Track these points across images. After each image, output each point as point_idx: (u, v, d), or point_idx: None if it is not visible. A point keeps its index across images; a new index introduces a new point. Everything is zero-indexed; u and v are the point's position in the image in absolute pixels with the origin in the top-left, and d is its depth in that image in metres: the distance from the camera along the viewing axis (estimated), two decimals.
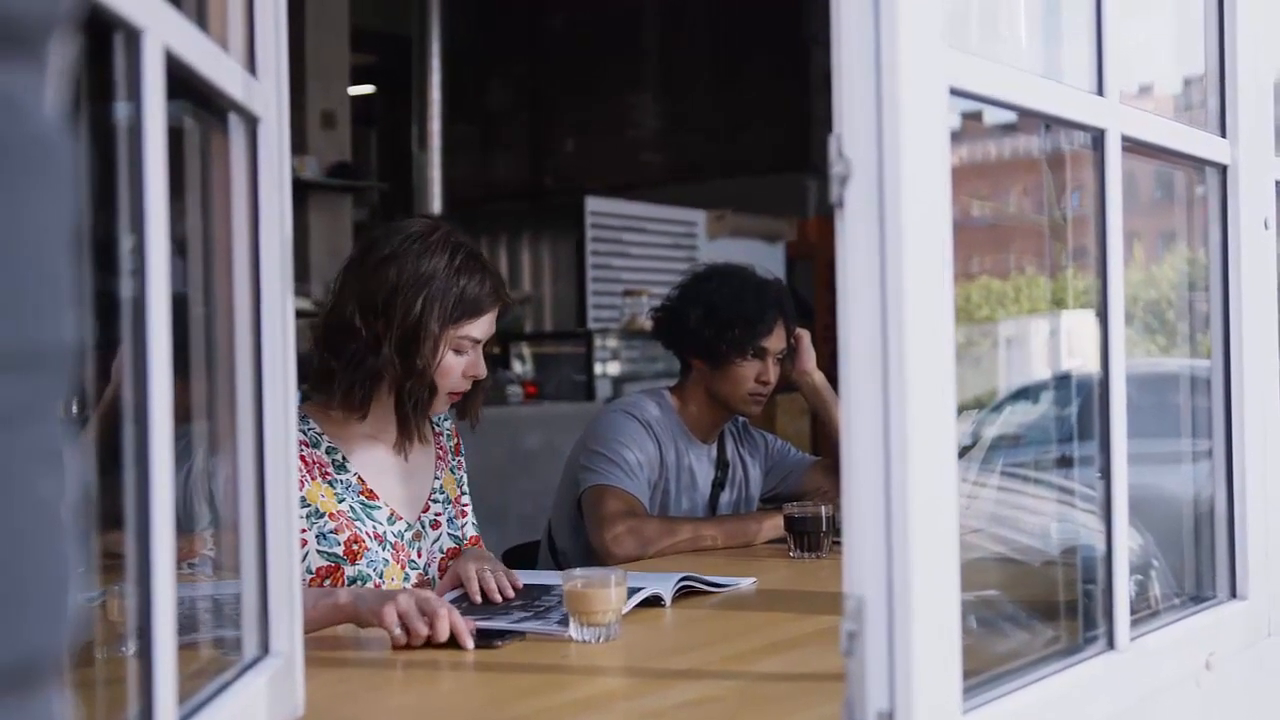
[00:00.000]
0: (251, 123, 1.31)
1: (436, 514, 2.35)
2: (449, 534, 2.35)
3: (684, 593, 2.15)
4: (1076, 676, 1.40)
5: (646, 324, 4.84)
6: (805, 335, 3.04)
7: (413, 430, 2.26)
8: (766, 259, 6.58)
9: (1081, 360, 1.70)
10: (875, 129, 1.10)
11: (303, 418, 2.22)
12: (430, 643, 1.82)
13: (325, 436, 2.24)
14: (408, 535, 2.27)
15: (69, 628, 0.62)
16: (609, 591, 1.82)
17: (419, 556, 2.29)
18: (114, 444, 0.98)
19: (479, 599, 2.04)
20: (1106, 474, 1.46)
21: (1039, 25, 1.74)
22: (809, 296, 6.90)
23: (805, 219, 7.96)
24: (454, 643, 1.83)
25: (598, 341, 6.98)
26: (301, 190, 6.75)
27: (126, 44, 0.95)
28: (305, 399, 2.28)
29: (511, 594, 2.09)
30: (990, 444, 1.95)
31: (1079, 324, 1.67)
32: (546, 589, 2.12)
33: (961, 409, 1.18)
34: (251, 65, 1.31)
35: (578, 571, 1.89)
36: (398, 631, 1.83)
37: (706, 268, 3.04)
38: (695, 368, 2.97)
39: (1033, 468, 1.98)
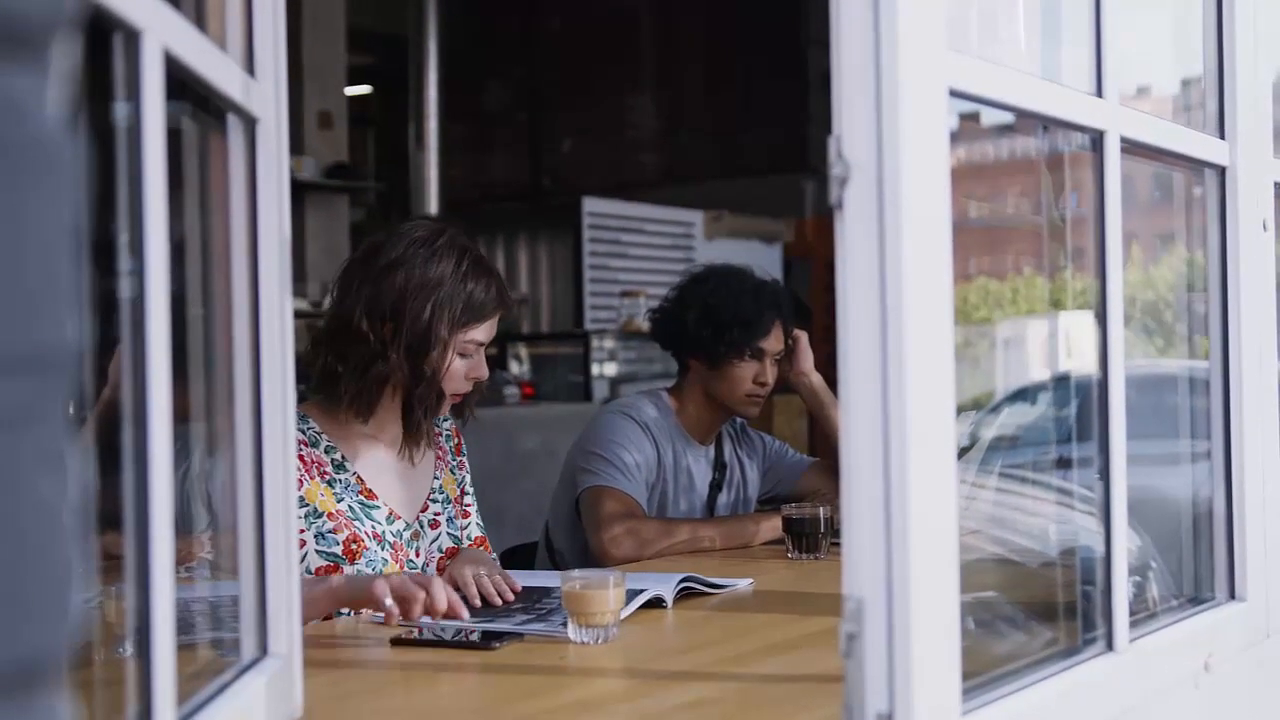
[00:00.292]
0: (250, 123, 1.31)
1: (435, 513, 2.35)
2: (448, 533, 2.35)
3: (683, 594, 2.15)
4: (1075, 678, 1.40)
5: (644, 325, 4.84)
6: (803, 336, 3.04)
7: (421, 435, 2.27)
8: (764, 260, 6.58)
9: (1079, 361, 1.70)
10: (875, 130, 1.10)
11: (301, 417, 2.22)
12: (429, 611, 1.87)
13: (324, 436, 2.24)
14: (406, 535, 2.27)
15: (71, 629, 0.62)
16: (607, 593, 1.81)
17: (418, 556, 2.29)
18: (110, 445, 0.98)
19: (478, 603, 2.04)
20: (1106, 475, 1.46)
21: (1038, 27, 1.74)
22: (806, 297, 6.90)
23: (802, 220, 7.97)
24: (453, 643, 1.83)
25: (595, 342, 6.97)
26: (298, 190, 6.75)
27: (126, 45, 0.94)
28: (304, 398, 2.28)
29: (510, 597, 2.09)
30: (988, 445, 1.95)
31: (1077, 325, 1.67)
32: (547, 591, 2.12)
33: (959, 410, 1.18)
34: (250, 66, 1.31)
35: (576, 573, 1.89)
36: (389, 602, 1.84)
37: (704, 269, 3.04)
38: (693, 369, 2.97)
39: (1031, 469, 1.98)
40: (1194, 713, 1.65)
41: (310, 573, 2.14)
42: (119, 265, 0.95)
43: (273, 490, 1.34)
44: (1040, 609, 1.65)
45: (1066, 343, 1.83)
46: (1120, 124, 1.48)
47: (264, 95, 1.33)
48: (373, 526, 2.22)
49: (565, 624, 1.84)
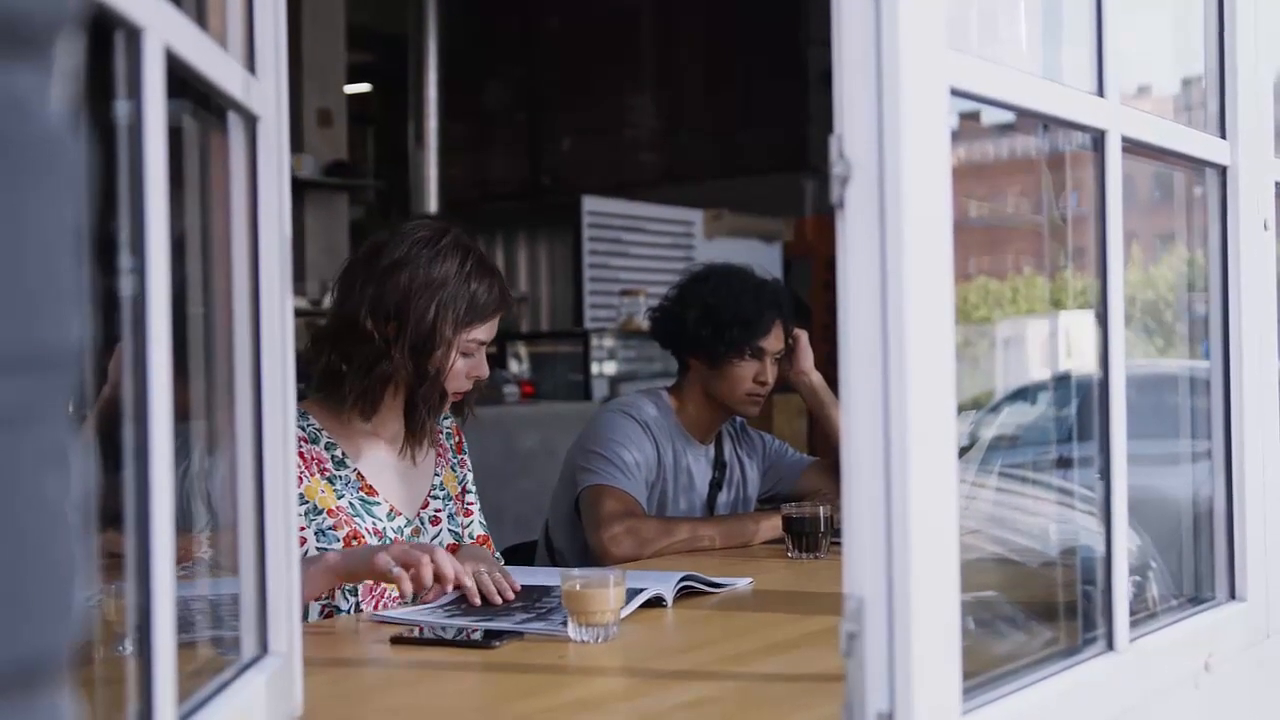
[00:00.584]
0: (251, 121, 1.31)
1: (436, 510, 2.35)
2: (449, 530, 2.36)
3: (683, 593, 2.15)
4: (1076, 678, 1.40)
5: (644, 324, 4.83)
6: (803, 335, 3.04)
7: (423, 433, 2.28)
8: (764, 259, 6.58)
9: (1079, 361, 1.70)
10: (876, 129, 1.10)
11: (302, 414, 2.23)
12: (438, 576, 1.92)
13: (324, 432, 2.24)
14: (407, 531, 2.27)
15: (74, 628, 0.62)
16: (607, 592, 1.81)
17: None
18: (111, 442, 0.98)
19: (478, 601, 2.04)
20: (1106, 475, 1.46)
21: (1039, 26, 1.74)
22: (806, 296, 6.90)
23: (802, 219, 7.97)
24: (453, 642, 1.83)
25: (595, 341, 6.97)
26: (298, 189, 6.75)
27: (127, 43, 0.94)
28: (303, 396, 2.28)
29: (511, 595, 2.08)
30: (989, 445, 1.95)
31: (1077, 325, 1.67)
32: (547, 590, 2.12)
33: (959, 410, 1.18)
34: (251, 64, 1.31)
35: (576, 572, 1.89)
36: (397, 570, 1.86)
37: (704, 268, 3.04)
38: (693, 368, 2.97)
39: (1031, 468, 1.98)
40: (1194, 713, 1.65)
41: None
42: (120, 263, 0.95)
43: (273, 488, 1.34)
44: (1040, 608, 1.65)
45: (1067, 342, 1.83)
46: (1121, 123, 1.48)
47: (264, 93, 1.33)
48: (373, 523, 2.22)
49: (565, 623, 1.84)
